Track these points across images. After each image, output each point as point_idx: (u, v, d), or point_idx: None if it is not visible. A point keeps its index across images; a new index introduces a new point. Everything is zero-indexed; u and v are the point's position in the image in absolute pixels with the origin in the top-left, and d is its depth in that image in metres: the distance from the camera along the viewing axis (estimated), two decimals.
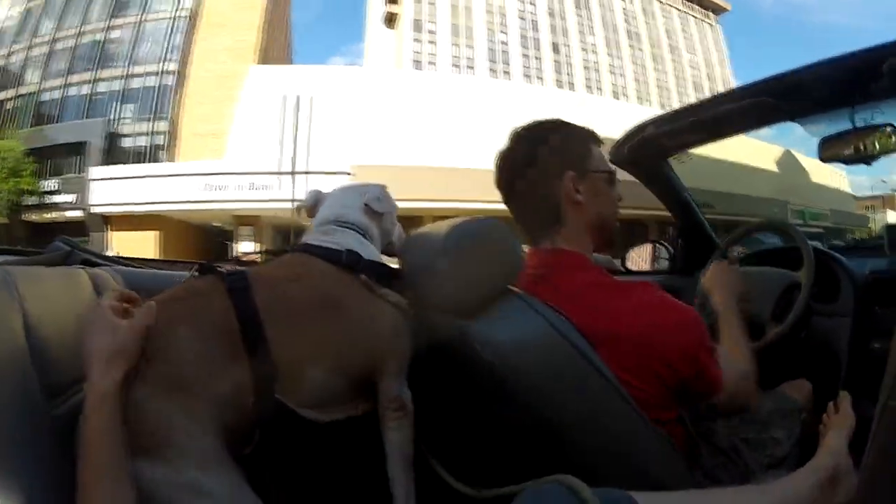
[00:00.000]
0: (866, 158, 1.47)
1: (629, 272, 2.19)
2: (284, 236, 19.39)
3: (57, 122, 22.30)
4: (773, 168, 25.48)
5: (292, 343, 0.88)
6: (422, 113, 20.07)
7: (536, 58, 51.23)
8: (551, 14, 52.88)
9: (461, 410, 1.05)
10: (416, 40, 49.34)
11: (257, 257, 1.33)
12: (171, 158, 21.10)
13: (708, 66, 62.85)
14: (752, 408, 1.10)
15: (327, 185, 1.34)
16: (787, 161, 26.46)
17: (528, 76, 49.32)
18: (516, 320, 0.88)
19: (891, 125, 1.38)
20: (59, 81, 22.89)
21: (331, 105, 19.21)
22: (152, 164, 20.01)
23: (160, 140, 22.14)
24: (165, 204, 17.62)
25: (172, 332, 0.81)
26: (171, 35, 23.26)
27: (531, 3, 52.35)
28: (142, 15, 23.68)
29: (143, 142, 22.30)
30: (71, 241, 1.24)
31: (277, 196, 17.43)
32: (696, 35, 62.77)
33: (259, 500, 0.80)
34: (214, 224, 19.25)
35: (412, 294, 1.02)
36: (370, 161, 17.09)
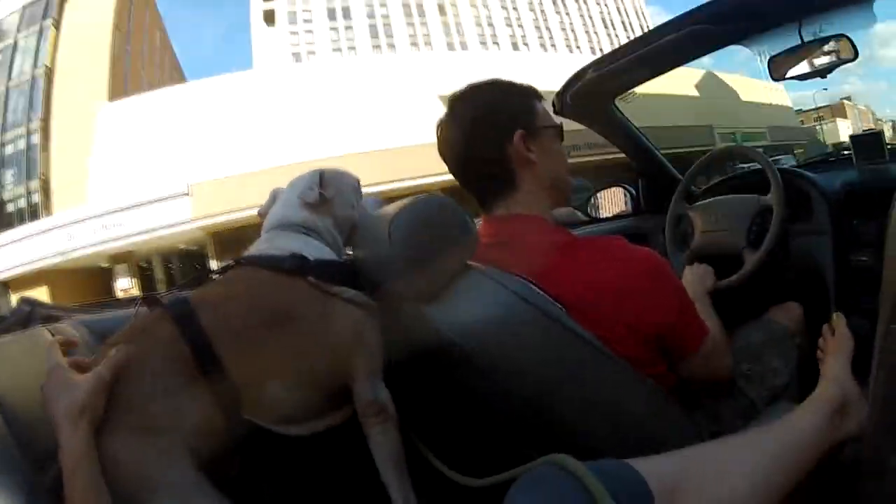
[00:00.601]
0: (820, 72, 1.45)
1: (592, 219, 2.16)
2: (183, 260, 19.62)
3: None
4: (694, 93, 23.51)
5: (248, 361, 0.84)
6: (296, 107, 19.25)
7: (422, 24, 50.13)
8: None
9: (445, 399, 1.00)
10: (293, 33, 48.43)
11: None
12: (48, 213, 21.03)
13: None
14: (723, 377, 1.06)
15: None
16: (710, 83, 24.73)
17: (415, 45, 48.21)
18: (479, 295, 0.84)
19: (842, 35, 1.35)
20: None
21: (186, 123, 18.71)
22: (30, 224, 20.02)
23: (36, 198, 22.55)
24: (45, 259, 17.51)
25: (128, 375, 0.77)
26: (32, 94, 23.61)
27: None
28: (7, 82, 24.14)
29: (23, 203, 22.84)
30: (31, 300, 1.19)
31: (129, 231, 17.12)
32: None
33: None
34: (103, 265, 19.11)
35: (369, 285, 0.96)
36: (230, 172, 16.58)
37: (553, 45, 53.39)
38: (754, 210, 1.41)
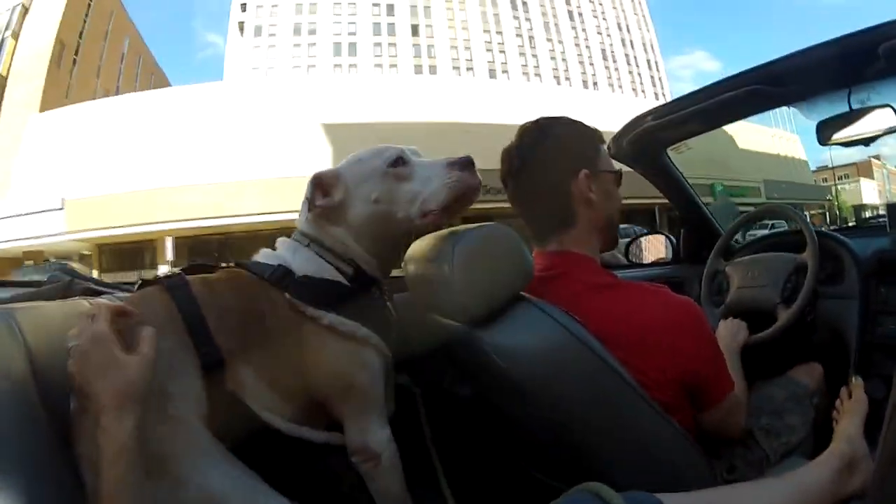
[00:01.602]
0: (864, 140, 1.48)
1: (633, 264, 2.20)
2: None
3: None
4: None
5: (230, 335, 0.85)
6: (213, 128, 18.74)
7: (391, 44, 48.98)
8: None
9: (481, 422, 1.04)
10: (257, 47, 47.90)
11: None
12: None
13: (623, 31, 59.32)
14: (734, 434, 1.09)
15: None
16: None
17: (379, 66, 47.08)
18: (529, 325, 0.88)
19: (889, 106, 1.39)
20: None
21: (96, 138, 18.78)
22: None
23: None
24: None
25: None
26: None
27: None
28: None
29: None
30: (71, 271, 1.22)
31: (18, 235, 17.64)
32: None
33: (272, 490, 0.80)
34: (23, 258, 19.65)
35: (422, 301, 1.00)
36: (110, 189, 16.72)
37: (538, 75, 51.45)
38: (790, 267, 1.44)
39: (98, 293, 1.14)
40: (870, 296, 1.45)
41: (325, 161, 16.61)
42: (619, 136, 1.69)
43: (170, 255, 16.51)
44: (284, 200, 14.85)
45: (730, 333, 1.35)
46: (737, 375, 1.16)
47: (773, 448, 1.13)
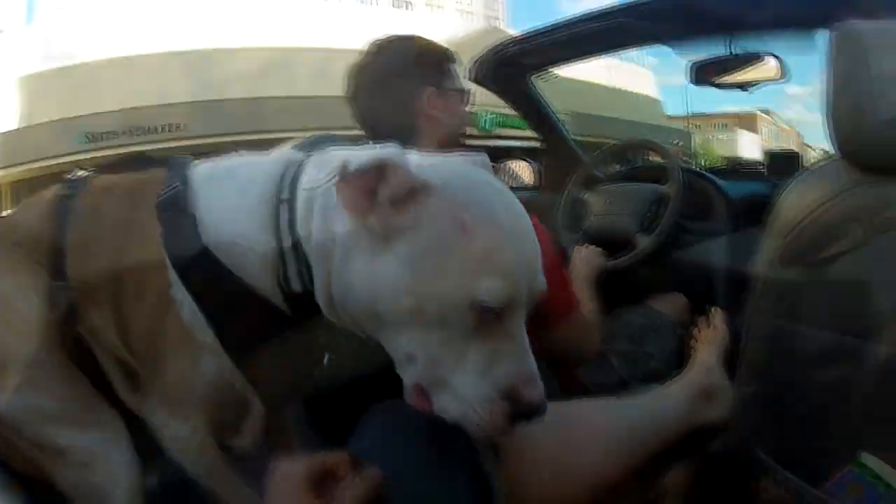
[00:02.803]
0: (742, 85, 1.49)
1: None
2: None
3: None
4: None
5: (93, 262, 0.68)
6: None
7: None
8: None
9: None
10: None
11: None
12: None
13: None
14: (587, 354, 1.10)
15: None
16: None
17: None
18: None
19: (772, 54, 1.40)
20: None
21: None
22: None
23: None
24: None
25: None
26: None
27: None
28: None
29: None
30: None
31: None
32: None
33: (119, 421, 0.71)
34: None
35: None
36: None
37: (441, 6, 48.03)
38: (651, 198, 1.45)
39: None
40: (737, 235, 1.45)
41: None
42: (479, 61, 1.66)
43: None
44: None
45: (583, 260, 1.36)
46: (589, 300, 1.17)
47: (630, 374, 1.15)
